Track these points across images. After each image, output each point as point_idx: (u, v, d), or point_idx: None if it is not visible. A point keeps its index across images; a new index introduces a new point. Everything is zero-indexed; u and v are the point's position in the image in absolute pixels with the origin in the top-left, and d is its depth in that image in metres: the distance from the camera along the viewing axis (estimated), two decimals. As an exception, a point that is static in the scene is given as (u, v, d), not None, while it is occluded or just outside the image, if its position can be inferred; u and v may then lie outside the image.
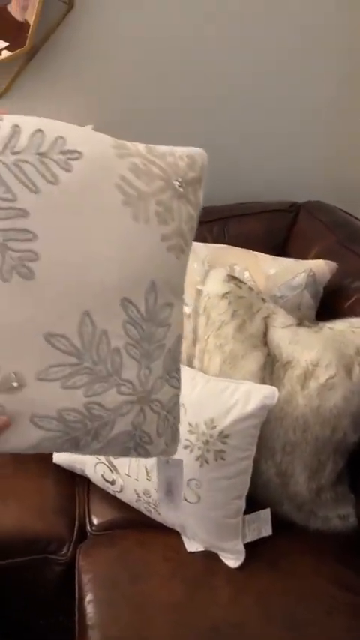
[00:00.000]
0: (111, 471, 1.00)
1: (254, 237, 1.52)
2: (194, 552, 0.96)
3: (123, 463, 0.98)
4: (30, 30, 1.34)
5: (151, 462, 0.92)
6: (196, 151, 0.61)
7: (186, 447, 0.89)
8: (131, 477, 0.98)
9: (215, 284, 1.08)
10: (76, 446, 0.57)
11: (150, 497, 0.96)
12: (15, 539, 0.99)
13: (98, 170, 0.55)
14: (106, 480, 1.02)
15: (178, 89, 1.49)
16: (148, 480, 0.95)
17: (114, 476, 1.01)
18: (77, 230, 0.53)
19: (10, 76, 1.42)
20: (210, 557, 0.96)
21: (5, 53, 1.39)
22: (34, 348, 0.52)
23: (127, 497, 1.00)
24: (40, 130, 0.53)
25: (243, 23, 1.44)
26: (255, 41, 1.46)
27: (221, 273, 1.10)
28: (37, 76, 1.43)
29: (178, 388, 0.60)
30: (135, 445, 0.58)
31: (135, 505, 1.00)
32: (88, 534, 1.02)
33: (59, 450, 0.57)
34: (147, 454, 0.60)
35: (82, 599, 0.91)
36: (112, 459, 1.00)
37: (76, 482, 1.12)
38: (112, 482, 1.01)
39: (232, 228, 1.48)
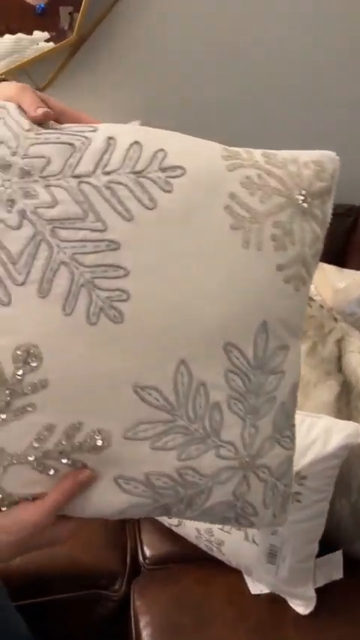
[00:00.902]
0: (168, 502, 0.92)
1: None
2: (259, 595, 0.87)
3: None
4: (77, 19, 1.24)
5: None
6: (326, 155, 0.50)
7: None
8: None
9: (283, 301, 0.97)
10: (167, 513, 0.49)
11: (212, 535, 0.87)
12: (64, 573, 0.91)
13: (203, 188, 0.45)
14: (162, 511, 0.94)
15: (232, 81, 1.36)
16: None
17: (171, 507, 0.92)
18: (175, 263, 0.44)
19: (54, 68, 1.32)
20: (277, 602, 0.87)
21: (46, 44, 1.28)
22: (122, 402, 0.44)
23: (186, 532, 0.92)
24: (137, 143, 0.44)
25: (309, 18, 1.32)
26: (308, 39, 1.34)
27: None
28: (83, 69, 1.33)
29: (292, 449, 0.51)
30: (236, 516, 0.49)
31: (194, 541, 0.92)
32: (142, 568, 0.94)
33: (149, 515, 0.49)
34: (250, 525, 0.51)
35: (140, 645, 0.82)
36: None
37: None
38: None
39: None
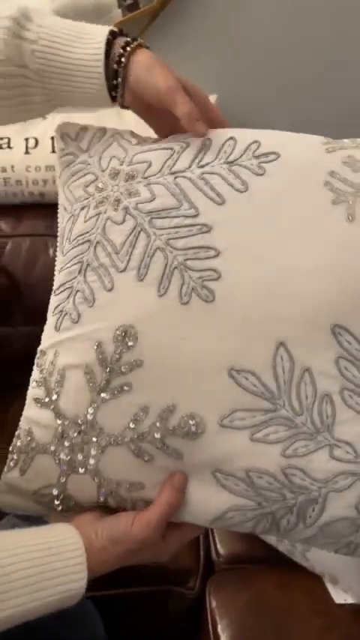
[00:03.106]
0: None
1: None
2: (343, 605, 0.70)
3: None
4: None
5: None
6: None
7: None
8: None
9: None
10: (276, 526, 0.41)
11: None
12: (137, 566, 0.80)
13: (299, 169, 0.43)
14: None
15: (312, 57, 1.20)
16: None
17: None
18: (269, 241, 0.41)
19: (132, 35, 1.20)
20: None
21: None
22: (216, 386, 0.40)
23: (266, 535, 0.76)
24: (231, 138, 0.45)
25: None
26: None
27: None
28: (161, 36, 1.20)
29: None
30: None
31: (274, 544, 0.77)
32: (216, 567, 0.81)
33: (254, 530, 0.42)
34: None
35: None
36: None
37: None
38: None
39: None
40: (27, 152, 1.01)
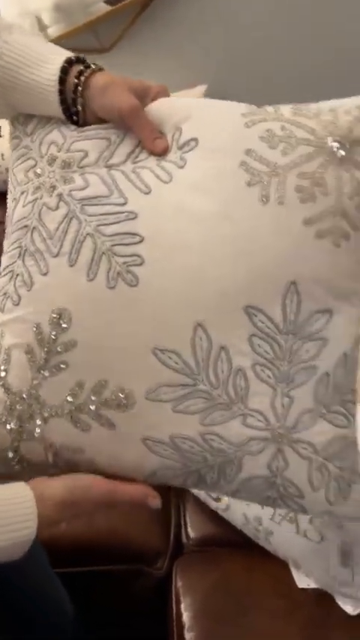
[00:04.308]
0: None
1: None
2: (306, 589, 0.75)
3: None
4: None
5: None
6: None
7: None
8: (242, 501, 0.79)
9: None
10: (203, 482, 0.46)
11: (261, 524, 0.77)
12: (105, 545, 0.85)
13: (216, 151, 0.44)
14: (211, 496, 0.85)
15: (302, 45, 1.20)
16: (263, 508, 0.76)
17: (221, 493, 0.83)
18: (189, 227, 0.43)
19: (122, 25, 1.21)
20: (325, 599, 0.73)
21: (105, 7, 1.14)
22: (143, 364, 0.43)
23: (233, 518, 0.82)
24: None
25: None
26: None
27: None
28: (151, 26, 1.22)
29: (348, 427, 0.43)
30: (280, 496, 0.44)
31: (240, 527, 0.82)
32: (185, 549, 0.87)
33: (186, 484, 0.47)
34: (302, 510, 0.44)
35: (181, 628, 0.75)
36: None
37: (170, 487, 0.95)
38: (217, 500, 0.83)
39: None
40: (19, 141, 0.99)
